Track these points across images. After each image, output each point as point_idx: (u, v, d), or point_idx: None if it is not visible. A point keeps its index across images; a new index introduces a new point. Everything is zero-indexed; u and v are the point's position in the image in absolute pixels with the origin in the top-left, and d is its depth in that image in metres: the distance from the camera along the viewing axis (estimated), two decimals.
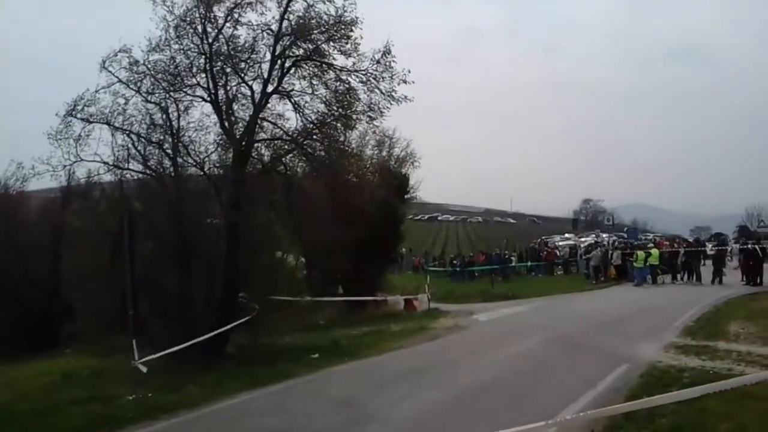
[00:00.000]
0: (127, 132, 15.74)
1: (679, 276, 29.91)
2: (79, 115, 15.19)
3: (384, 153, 28.23)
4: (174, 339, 13.49)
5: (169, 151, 16.07)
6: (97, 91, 15.16)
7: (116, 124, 15.52)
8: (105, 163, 15.69)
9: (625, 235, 50.08)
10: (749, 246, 27.83)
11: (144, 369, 11.80)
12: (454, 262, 46.64)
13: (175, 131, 16.02)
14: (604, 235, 51.85)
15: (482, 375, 11.71)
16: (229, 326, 14.61)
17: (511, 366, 12.48)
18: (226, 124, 15.84)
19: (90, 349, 15.55)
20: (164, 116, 15.98)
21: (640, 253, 30.29)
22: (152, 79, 15.54)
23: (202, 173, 16.38)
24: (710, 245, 32.48)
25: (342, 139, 17.09)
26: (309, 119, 16.14)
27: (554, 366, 12.30)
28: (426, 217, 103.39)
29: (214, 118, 16.04)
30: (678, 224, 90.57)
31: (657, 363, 11.53)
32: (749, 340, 13.09)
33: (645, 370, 10.95)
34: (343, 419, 9.07)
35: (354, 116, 16.22)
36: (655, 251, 30.66)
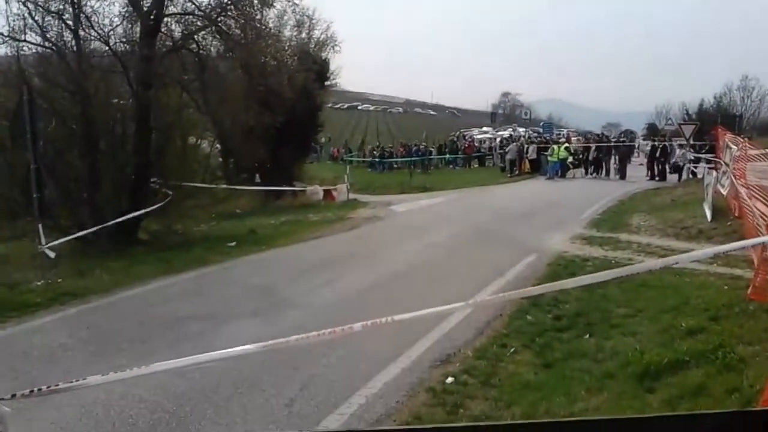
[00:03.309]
0: (23, 0, 14.31)
1: (589, 170, 31.11)
2: None
3: (303, 35, 27.29)
4: (82, 223, 13.01)
5: (70, 22, 14.78)
6: None
7: None
8: None
9: (541, 130, 51.27)
10: (656, 143, 29.08)
11: (52, 254, 11.31)
12: (374, 153, 46.71)
13: (75, 0, 14.67)
14: (520, 130, 52.93)
15: (399, 263, 11.94)
16: (140, 212, 14.15)
17: (427, 255, 12.77)
18: None
19: None
20: None
21: (555, 148, 31.17)
22: None
23: (107, 48, 15.23)
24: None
25: (259, 17, 16.21)
26: None
27: (467, 255, 12.70)
28: (346, 105, 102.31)
29: None
30: (591, 120, 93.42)
31: (563, 253, 12.09)
32: (649, 233, 13.84)
33: (552, 260, 11.48)
34: (261, 305, 9.07)
35: None
36: (566, 146, 31.71)
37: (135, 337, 7.70)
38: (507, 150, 35.90)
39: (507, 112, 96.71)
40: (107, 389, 5.74)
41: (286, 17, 23.73)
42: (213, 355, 3.28)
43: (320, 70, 26.49)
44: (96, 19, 14.96)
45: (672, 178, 26.30)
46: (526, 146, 35.15)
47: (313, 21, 27.36)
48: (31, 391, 3.05)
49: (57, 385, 3.04)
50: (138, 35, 15.10)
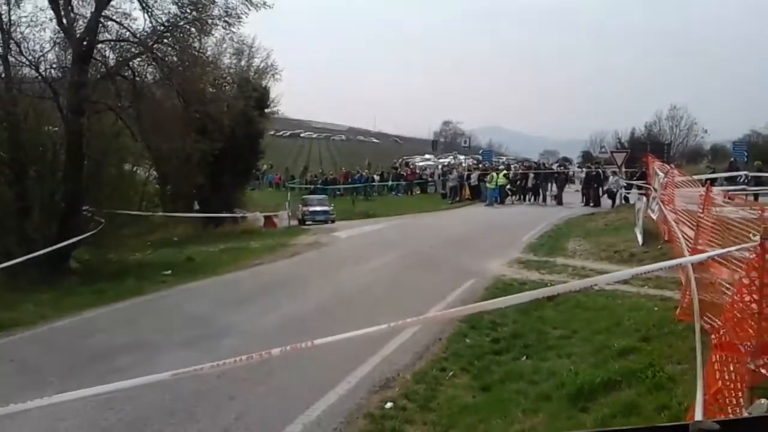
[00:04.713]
0: None
1: (527, 197, 31.81)
2: None
3: (243, 63, 27.18)
4: (9, 253, 12.48)
5: None
6: None
7: None
8: None
9: (480, 157, 52.20)
10: (591, 170, 30.00)
11: None
12: (315, 179, 46.74)
13: (5, 26, 14.35)
14: (461, 157, 53.72)
15: (341, 289, 11.92)
16: (71, 241, 13.67)
17: (368, 280, 12.77)
18: (64, 20, 14.34)
19: None
20: None
21: (494, 175, 31.82)
22: None
23: (37, 74, 14.84)
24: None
25: (196, 45, 16.10)
26: (159, 21, 15.02)
27: (409, 280, 12.72)
28: (288, 133, 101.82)
29: (50, 12, 14.49)
30: (531, 148, 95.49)
31: (501, 277, 12.28)
32: (584, 256, 14.20)
33: (490, 284, 11.65)
34: (198, 334, 8.84)
35: (209, 20, 15.26)
36: (505, 172, 32.49)
37: (63, 370, 7.38)
38: (451, 177, 36.39)
39: (448, 140, 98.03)
40: (32, 426, 5.47)
41: (225, 45, 23.57)
42: (119, 385, 3.17)
43: (260, 98, 26.37)
44: (26, 45, 14.68)
45: (606, 203, 27.07)
46: (466, 173, 35.75)
47: (253, 49, 27.36)
48: None
49: None
50: (70, 62, 14.75)
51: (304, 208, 28.06)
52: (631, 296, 9.44)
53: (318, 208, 27.97)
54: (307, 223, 26.54)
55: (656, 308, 8.50)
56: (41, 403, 3.13)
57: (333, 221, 26.83)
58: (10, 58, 14.51)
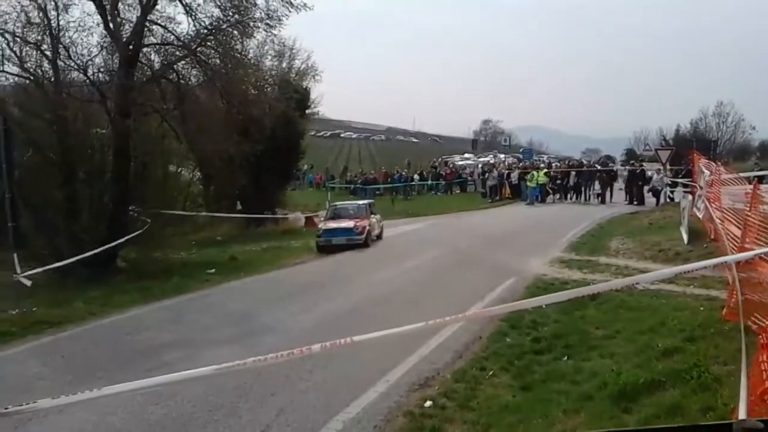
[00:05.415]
0: (1, 31, 14.44)
1: (569, 195, 31.39)
2: None
3: (284, 65, 27.45)
4: (59, 253, 12.89)
5: (48, 53, 14.86)
6: None
7: None
8: None
9: (521, 156, 51.69)
10: (636, 168, 29.44)
11: (28, 283, 11.24)
12: (355, 178, 46.94)
13: (54, 31, 14.77)
14: (501, 156, 53.30)
15: (379, 288, 11.95)
16: (118, 241, 14.04)
17: (407, 279, 12.79)
18: (111, 25, 14.71)
19: None
20: (41, 14, 14.71)
21: (535, 173, 31.49)
22: None
23: (85, 78, 15.27)
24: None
25: (239, 47, 16.34)
26: (202, 24, 15.30)
27: (448, 279, 12.71)
28: (328, 133, 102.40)
29: (97, 18, 14.90)
30: (572, 146, 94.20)
31: (542, 276, 12.13)
32: (627, 255, 13.94)
33: (531, 283, 11.52)
34: (240, 331, 9.02)
35: (251, 23, 15.49)
36: (546, 171, 32.11)
37: (111, 365, 7.60)
38: (493, 176, 36.10)
39: (488, 139, 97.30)
40: (80, 418, 5.65)
41: (266, 47, 23.84)
42: (164, 379, 3.26)
43: (301, 99, 26.62)
44: (74, 50, 15.10)
45: (650, 201, 26.55)
46: (507, 172, 35.45)
47: (294, 51, 27.63)
48: None
49: (6, 409, 3.00)
50: (116, 65, 15.15)
51: (321, 224, 19.74)
52: (676, 296, 9.24)
53: (341, 225, 18.55)
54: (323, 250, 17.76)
55: (702, 308, 8.31)
56: (90, 396, 3.23)
57: (366, 244, 18.21)
58: (59, 63, 14.94)
